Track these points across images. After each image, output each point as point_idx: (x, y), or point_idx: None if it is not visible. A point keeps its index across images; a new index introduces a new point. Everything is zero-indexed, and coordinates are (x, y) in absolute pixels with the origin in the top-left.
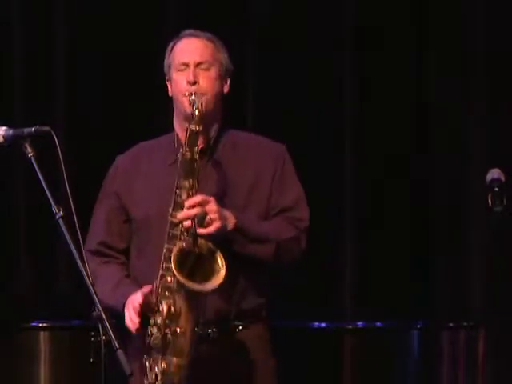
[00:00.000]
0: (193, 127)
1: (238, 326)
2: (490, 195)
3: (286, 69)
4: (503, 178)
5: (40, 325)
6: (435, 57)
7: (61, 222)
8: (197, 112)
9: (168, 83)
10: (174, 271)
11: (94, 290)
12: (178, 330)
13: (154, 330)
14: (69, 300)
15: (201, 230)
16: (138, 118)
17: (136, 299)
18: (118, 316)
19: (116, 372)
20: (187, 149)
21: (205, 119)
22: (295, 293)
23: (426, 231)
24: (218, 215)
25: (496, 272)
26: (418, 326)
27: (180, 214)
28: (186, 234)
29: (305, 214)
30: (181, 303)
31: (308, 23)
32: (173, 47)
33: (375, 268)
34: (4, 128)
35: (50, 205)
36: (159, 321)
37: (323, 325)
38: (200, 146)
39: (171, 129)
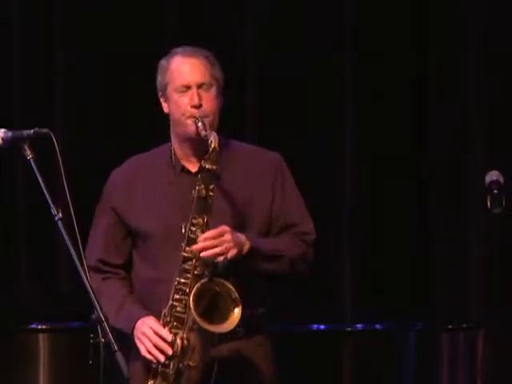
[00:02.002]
0: (209, 166)
1: (239, 333)
2: (489, 197)
3: (286, 69)
4: (502, 180)
5: (39, 327)
6: (435, 57)
7: (60, 223)
8: (212, 150)
9: (162, 100)
10: (194, 314)
11: (93, 290)
12: (191, 363)
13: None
14: (69, 300)
15: (219, 258)
16: (138, 119)
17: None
18: None
19: (115, 374)
20: (202, 186)
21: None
22: (294, 294)
23: (426, 231)
24: (232, 244)
25: (496, 272)
26: (418, 328)
27: (196, 246)
28: (199, 269)
29: (311, 227)
30: (196, 339)
31: (308, 23)
32: (168, 66)
33: (375, 268)
34: (3, 130)
35: (49, 206)
36: (171, 352)
37: (322, 327)
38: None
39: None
